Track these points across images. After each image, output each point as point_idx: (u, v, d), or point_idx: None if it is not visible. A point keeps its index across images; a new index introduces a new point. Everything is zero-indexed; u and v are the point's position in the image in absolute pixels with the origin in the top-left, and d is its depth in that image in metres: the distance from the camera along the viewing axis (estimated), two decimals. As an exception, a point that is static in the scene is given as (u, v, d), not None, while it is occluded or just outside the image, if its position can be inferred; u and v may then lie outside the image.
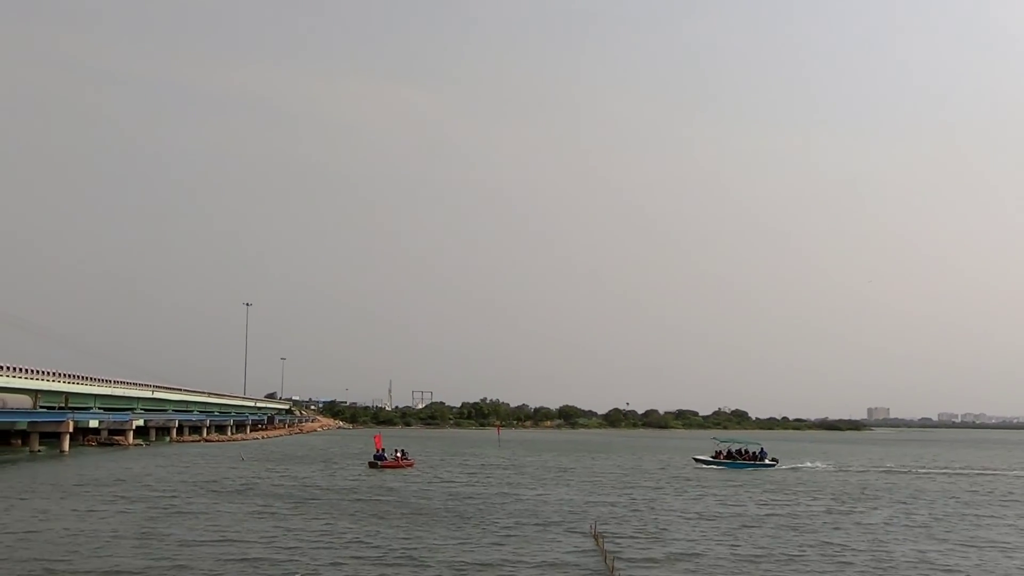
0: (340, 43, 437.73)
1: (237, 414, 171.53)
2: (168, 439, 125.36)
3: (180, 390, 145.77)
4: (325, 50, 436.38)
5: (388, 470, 69.12)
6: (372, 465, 71.16)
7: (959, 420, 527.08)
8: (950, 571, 27.87)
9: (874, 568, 27.79)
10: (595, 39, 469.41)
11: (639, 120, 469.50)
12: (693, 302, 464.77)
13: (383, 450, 74.87)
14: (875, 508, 44.93)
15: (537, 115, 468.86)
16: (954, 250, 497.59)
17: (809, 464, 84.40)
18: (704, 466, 76.71)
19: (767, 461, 77.60)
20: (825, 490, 55.59)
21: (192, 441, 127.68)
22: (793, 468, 77.90)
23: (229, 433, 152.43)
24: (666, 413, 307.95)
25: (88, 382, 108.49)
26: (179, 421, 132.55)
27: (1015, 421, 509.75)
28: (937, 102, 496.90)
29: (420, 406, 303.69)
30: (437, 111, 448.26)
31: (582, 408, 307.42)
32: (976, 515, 42.99)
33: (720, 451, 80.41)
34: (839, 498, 50.18)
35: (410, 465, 73.11)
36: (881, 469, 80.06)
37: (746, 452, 79.50)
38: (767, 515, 40.91)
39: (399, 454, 74.65)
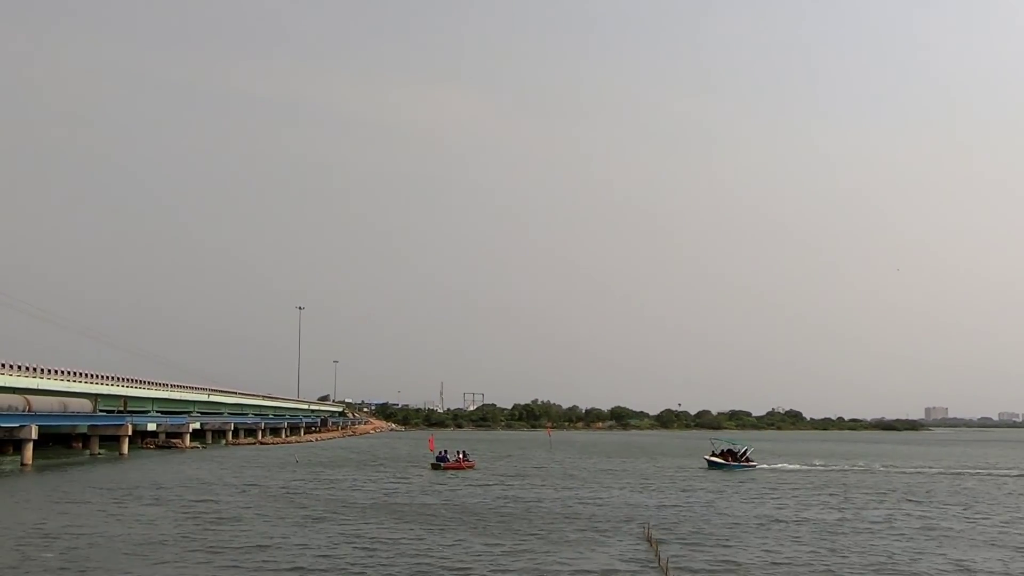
0: (375, 46, 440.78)
1: (291, 417, 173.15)
2: (224, 442, 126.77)
3: (235, 393, 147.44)
4: (361, 55, 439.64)
5: (451, 471, 70.11)
6: (435, 466, 72.37)
7: (1020, 419, 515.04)
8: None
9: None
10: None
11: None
12: (745, 306, 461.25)
13: (445, 451, 76.43)
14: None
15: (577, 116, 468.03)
16: (1012, 250, 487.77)
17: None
18: (715, 468, 76.77)
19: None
20: (862, 491, 54.70)
21: (247, 444, 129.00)
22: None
23: (283, 436, 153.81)
24: (719, 414, 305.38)
25: (146, 386, 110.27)
26: (234, 424, 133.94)
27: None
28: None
29: (471, 408, 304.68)
30: (476, 118, 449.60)
31: (634, 409, 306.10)
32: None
33: (715, 451, 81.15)
34: (898, 501, 49.32)
35: (471, 466, 74.03)
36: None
37: (739, 452, 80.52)
38: (815, 519, 40.24)
39: (461, 455, 75.57)
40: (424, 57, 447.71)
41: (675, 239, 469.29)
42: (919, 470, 79.56)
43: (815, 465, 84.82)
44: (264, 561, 28.03)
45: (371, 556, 29.08)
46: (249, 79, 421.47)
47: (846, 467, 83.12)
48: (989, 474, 75.59)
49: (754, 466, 77.75)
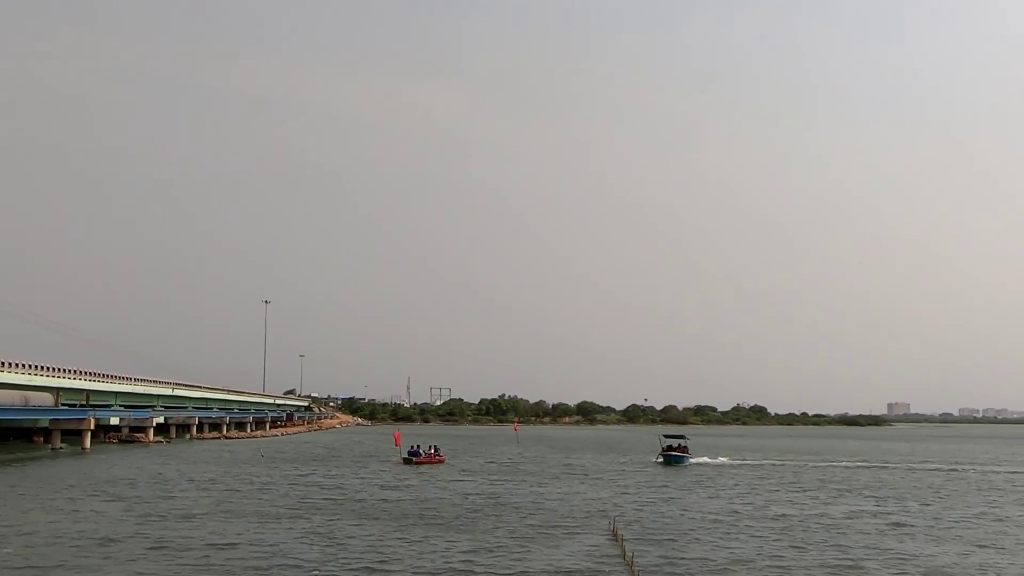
0: (351, 40, 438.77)
1: (256, 411, 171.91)
2: (188, 436, 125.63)
3: (200, 387, 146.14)
4: (342, 50, 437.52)
5: (423, 466, 71.38)
6: (407, 461, 73.05)
7: (980, 415, 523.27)
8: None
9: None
10: (597, 34, 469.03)
11: (644, 116, 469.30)
12: (712, 300, 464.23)
13: (418, 446, 78.05)
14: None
15: (553, 113, 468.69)
16: (976, 247, 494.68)
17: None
18: (671, 463, 77.66)
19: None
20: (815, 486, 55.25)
21: (212, 438, 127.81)
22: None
23: (249, 430, 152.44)
24: (684, 409, 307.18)
25: (109, 380, 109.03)
26: (199, 418, 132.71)
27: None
28: (945, 99, 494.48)
29: (438, 403, 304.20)
30: (451, 112, 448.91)
31: (600, 404, 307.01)
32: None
33: (663, 446, 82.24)
34: (865, 496, 49.82)
35: (442, 461, 75.04)
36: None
37: (677, 446, 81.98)
38: (776, 514, 40.60)
39: (432, 450, 76.86)
40: (412, 51, 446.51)
41: (644, 235, 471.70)
42: (869, 465, 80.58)
43: (749, 460, 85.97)
44: (226, 560, 27.67)
45: (334, 554, 28.91)
46: (226, 72, 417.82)
47: (797, 462, 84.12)
48: (952, 470, 76.51)
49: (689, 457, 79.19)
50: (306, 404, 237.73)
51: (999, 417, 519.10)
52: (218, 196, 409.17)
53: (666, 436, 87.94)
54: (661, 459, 79.70)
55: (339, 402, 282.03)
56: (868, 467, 77.79)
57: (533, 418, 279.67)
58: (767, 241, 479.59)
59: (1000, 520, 40.34)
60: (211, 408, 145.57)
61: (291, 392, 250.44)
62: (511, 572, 26.39)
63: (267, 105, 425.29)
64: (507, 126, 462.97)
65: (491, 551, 29.59)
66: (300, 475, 61.12)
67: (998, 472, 74.53)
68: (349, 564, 27.21)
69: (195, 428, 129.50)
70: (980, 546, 32.62)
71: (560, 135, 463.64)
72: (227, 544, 30.46)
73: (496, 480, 58.39)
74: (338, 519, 37.18)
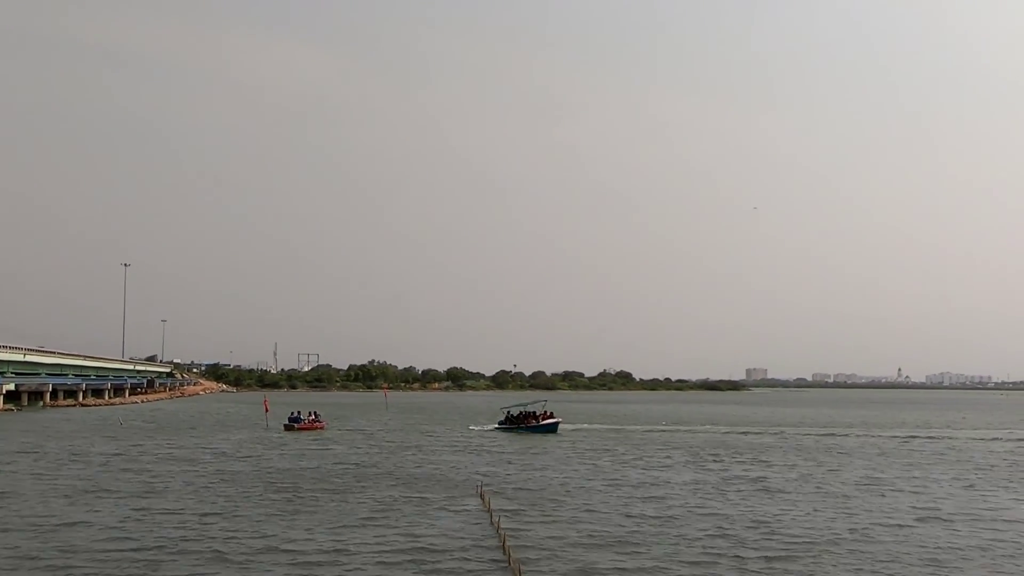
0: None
1: (115, 378, 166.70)
2: (42, 404, 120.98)
3: (54, 353, 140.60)
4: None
5: (304, 432, 72.01)
6: (288, 428, 73.79)
7: (831, 380, 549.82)
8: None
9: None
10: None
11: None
12: (578, 269, 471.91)
13: (298, 412, 78.80)
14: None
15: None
16: (825, 227, 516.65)
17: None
18: (515, 430, 74.70)
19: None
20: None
21: (67, 406, 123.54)
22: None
23: (107, 397, 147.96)
24: (553, 375, 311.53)
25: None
26: (53, 385, 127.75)
27: (883, 381, 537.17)
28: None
29: (306, 368, 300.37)
30: (322, 75, 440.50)
31: (470, 370, 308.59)
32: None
33: (512, 413, 78.53)
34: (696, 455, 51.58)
35: (322, 427, 76.13)
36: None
37: (533, 414, 77.48)
38: (633, 478, 41.76)
39: (312, 416, 77.81)
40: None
41: (504, 202, 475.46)
42: (730, 430, 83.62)
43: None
44: (58, 545, 25.16)
45: (184, 535, 27.32)
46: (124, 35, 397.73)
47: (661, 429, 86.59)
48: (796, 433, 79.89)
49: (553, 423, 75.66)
50: (168, 370, 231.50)
51: (849, 382, 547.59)
52: (72, 158, 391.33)
53: (503, 408, 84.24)
54: (520, 427, 76.18)
55: (203, 368, 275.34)
56: (729, 432, 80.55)
57: (403, 384, 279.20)
58: (630, 219, 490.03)
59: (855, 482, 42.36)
60: (66, 375, 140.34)
61: (152, 358, 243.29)
62: (378, 546, 26.25)
63: (119, 63, 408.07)
64: (373, 87, 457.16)
65: (357, 526, 29.18)
66: (156, 445, 59.29)
67: (862, 436, 78.31)
68: (195, 547, 25.65)
69: (49, 396, 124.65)
70: (855, 511, 34.18)
71: (426, 104, 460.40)
72: (64, 524, 28.22)
73: (362, 449, 58.03)
74: (193, 495, 35.73)
